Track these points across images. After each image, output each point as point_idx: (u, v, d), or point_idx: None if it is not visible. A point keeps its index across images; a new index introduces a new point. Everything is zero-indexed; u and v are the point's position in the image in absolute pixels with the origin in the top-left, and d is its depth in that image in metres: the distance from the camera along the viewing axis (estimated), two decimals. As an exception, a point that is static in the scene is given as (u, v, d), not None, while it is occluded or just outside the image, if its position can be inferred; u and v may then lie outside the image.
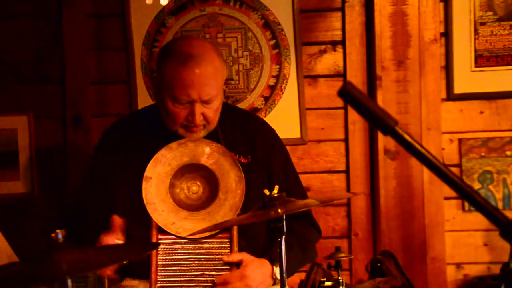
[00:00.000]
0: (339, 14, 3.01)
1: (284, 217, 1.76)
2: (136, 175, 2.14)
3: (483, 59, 2.99)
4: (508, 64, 2.99)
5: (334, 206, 3.04)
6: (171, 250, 2.09)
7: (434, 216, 2.93)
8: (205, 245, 2.10)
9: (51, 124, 3.01)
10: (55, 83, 3.00)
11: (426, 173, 2.89)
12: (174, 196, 2.13)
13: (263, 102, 3.01)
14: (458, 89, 2.99)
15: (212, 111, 2.17)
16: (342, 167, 3.04)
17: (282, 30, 2.98)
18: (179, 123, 2.17)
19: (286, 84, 2.99)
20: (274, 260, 2.11)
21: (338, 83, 3.01)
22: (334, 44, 3.03)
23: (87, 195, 2.34)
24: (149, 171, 2.12)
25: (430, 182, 2.90)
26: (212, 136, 2.21)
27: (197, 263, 2.09)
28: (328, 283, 2.17)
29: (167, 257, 2.09)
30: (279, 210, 1.71)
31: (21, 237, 2.68)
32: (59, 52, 2.99)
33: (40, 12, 3.00)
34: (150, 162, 2.12)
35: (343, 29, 3.00)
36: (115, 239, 2.08)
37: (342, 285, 2.09)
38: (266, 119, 2.49)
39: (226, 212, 2.10)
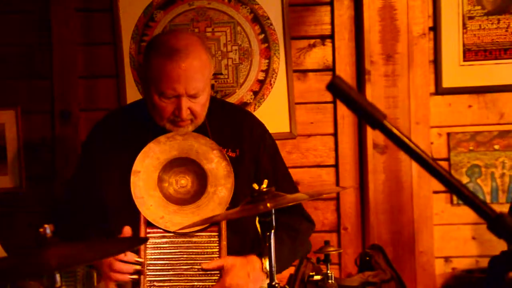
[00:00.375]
0: (328, 8, 3.01)
1: (273, 211, 1.75)
2: (125, 169, 2.13)
3: (471, 53, 3.00)
4: (496, 58, 3.00)
5: (323, 200, 3.05)
6: (160, 244, 2.09)
7: (423, 210, 2.94)
8: (194, 239, 2.10)
9: (39, 118, 3.00)
10: (43, 77, 2.99)
11: (415, 167, 2.90)
12: (163, 190, 2.12)
13: (252, 97, 3.01)
14: (446, 83, 3.00)
15: (199, 106, 2.16)
16: (331, 161, 3.05)
17: (271, 24, 2.98)
18: (166, 118, 2.16)
19: (275, 79, 2.99)
20: (264, 254, 2.10)
21: (327, 78, 3.02)
22: (323, 38, 3.03)
23: (76, 189, 2.33)
24: (138, 165, 2.11)
25: (418, 176, 2.91)
26: (200, 130, 2.20)
27: (185, 257, 2.08)
28: (317, 277, 2.17)
29: (156, 251, 2.09)
30: (268, 205, 1.71)
31: (9, 232, 2.68)
32: (47, 46, 2.98)
33: (28, 6, 2.99)
34: (139, 156, 2.12)
35: (332, 23, 3.00)
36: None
37: (331, 279, 2.10)
38: (256, 114, 2.49)
39: (215, 206, 2.10)
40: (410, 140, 1.07)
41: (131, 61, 2.98)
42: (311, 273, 2.27)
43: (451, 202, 3.03)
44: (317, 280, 2.17)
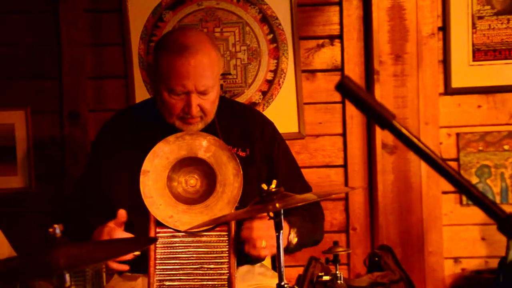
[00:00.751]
0: (336, 8, 3.02)
1: (282, 211, 1.75)
2: (134, 168, 2.13)
3: (480, 53, 2.99)
4: (506, 58, 3.00)
5: (332, 201, 3.05)
6: (170, 244, 2.09)
7: (432, 210, 2.94)
8: (204, 238, 2.09)
9: (48, 118, 3.02)
10: (52, 77, 3.01)
11: (424, 167, 2.90)
12: (172, 190, 2.12)
13: (261, 97, 3.01)
14: (456, 83, 3.00)
15: (208, 103, 2.16)
16: (340, 161, 3.05)
17: (280, 24, 2.98)
18: (175, 115, 2.16)
19: (284, 79, 3.00)
20: (292, 223, 2.11)
21: (335, 78, 3.02)
22: (331, 38, 3.03)
23: (85, 189, 2.33)
24: (147, 164, 2.11)
25: (428, 176, 2.91)
26: (210, 130, 2.20)
27: (195, 257, 2.08)
28: (326, 278, 2.17)
29: (166, 251, 2.08)
30: (277, 205, 1.71)
31: (19, 232, 2.69)
32: (56, 46, 2.99)
33: (37, 7, 3.00)
34: (148, 155, 2.11)
35: (341, 23, 3.01)
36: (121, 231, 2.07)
37: (340, 280, 2.09)
38: (264, 114, 2.49)
39: (223, 205, 2.09)
40: (419, 140, 1.07)
41: (140, 62, 2.99)
42: (320, 274, 2.26)
43: (460, 202, 3.03)
44: (326, 281, 2.16)
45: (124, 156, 2.23)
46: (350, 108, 2.98)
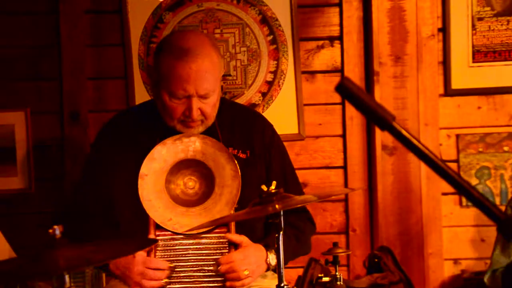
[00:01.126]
0: (336, 9, 3.01)
1: (281, 212, 1.76)
2: (133, 171, 2.13)
3: (480, 54, 2.99)
4: (505, 60, 3.00)
5: (331, 202, 3.05)
6: (169, 246, 2.09)
7: (432, 211, 2.93)
8: (203, 241, 2.10)
9: (48, 119, 3.01)
10: (52, 78, 3.00)
11: (424, 168, 2.90)
12: (171, 192, 2.12)
13: (261, 98, 3.01)
14: (455, 84, 2.99)
15: (209, 106, 2.16)
16: (340, 162, 3.05)
17: (280, 25, 2.98)
18: (176, 118, 2.16)
19: (283, 80, 3.00)
20: (269, 246, 2.12)
21: (335, 79, 3.01)
22: (331, 39, 3.03)
23: (84, 191, 2.32)
24: (145, 167, 2.11)
25: (427, 177, 2.91)
26: (210, 132, 2.21)
27: (195, 259, 2.08)
28: (325, 279, 2.18)
29: (165, 253, 2.09)
30: (277, 206, 1.72)
31: (18, 233, 2.69)
32: (56, 47, 2.99)
33: (38, 8, 3.00)
34: (146, 158, 2.12)
35: (341, 24, 3.00)
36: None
37: (340, 281, 2.10)
38: (264, 115, 2.49)
39: (222, 207, 2.10)
40: (419, 141, 1.07)
41: (139, 63, 2.99)
42: (319, 275, 2.27)
43: (460, 204, 3.03)
44: (325, 282, 2.17)
45: (124, 158, 2.23)
46: (350, 110, 2.98)
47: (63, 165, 2.99)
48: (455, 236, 3.02)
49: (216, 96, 2.18)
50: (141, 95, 2.96)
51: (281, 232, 1.78)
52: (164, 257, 2.08)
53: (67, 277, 1.49)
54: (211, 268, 2.08)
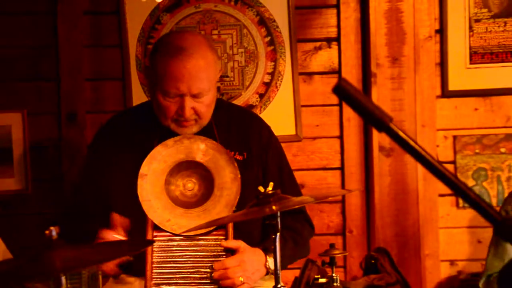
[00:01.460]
0: (334, 11, 3.02)
1: (279, 214, 1.76)
2: (131, 171, 2.14)
3: (477, 56, 3.00)
4: (502, 61, 3.00)
5: (329, 203, 3.05)
6: (167, 247, 2.10)
7: (428, 213, 2.94)
8: (201, 242, 2.10)
9: (45, 120, 3.01)
10: (50, 79, 3.00)
11: (421, 170, 2.90)
12: (170, 193, 2.12)
13: (258, 99, 3.01)
14: (452, 86, 3.00)
15: (203, 106, 2.16)
16: (337, 164, 3.05)
17: (277, 27, 2.99)
18: (170, 117, 2.16)
19: (281, 81, 3.00)
20: (268, 250, 2.13)
21: (333, 80, 3.02)
22: (329, 41, 3.03)
23: (82, 192, 2.34)
24: (145, 168, 2.12)
25: (424, 179, 2.92)
26: (207, 133, 2.21)
27: (192, 260, 2.09)
28: (322, 280, 2.17)
29: (163, 254, 2.09)
30: (274, 207, 1.72)
31: (15, 234, 2.69)
32: (54, 48, 2.99)
33: (36, 8, 3.00)
34: (146, 159, 2.12)
35: (338, 26, 3.01)
36: (114, 234, 2.07)
37: (336, 282, 2.10)
38: (261, 116, 2.50)
39: (221, 209, 2.10)
40: (416, 143, 1.07)
41: (137, 64, 2.99)
42: (316, 276, 2.27)
43: (457, 205, 3.03)
44: (322, 283, 2.17)
45: (121, 159, 2.23)
46: (347, 111, 2.98)
47: (60, 166, 2.99)
48: (451, 238, 3.03)
49: (211, 97, 2.18)
50: (139, 96, 2.97)
51: (278, 234, 1.78)
52: (160, 258, 2.08)
53: (63, 279, 1.49)
54: (207, 270, 2.08)
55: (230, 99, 2.98)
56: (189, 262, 2.09)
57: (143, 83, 2.97)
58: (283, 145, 2.44)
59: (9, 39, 3.01)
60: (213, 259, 2.08)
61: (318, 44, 3.04)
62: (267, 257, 2.12)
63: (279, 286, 1.79)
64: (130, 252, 1.93)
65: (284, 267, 2.22)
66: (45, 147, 3.01)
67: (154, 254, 2.08)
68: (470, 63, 3.00)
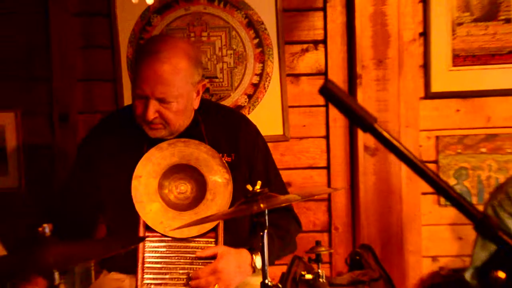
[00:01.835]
0: (321, 14, 3.03)
1: (266, 211, 1.78)
2: (121, 172, 2.15)
3: (460, 58, 3.01)
4: (484, 64, 3.01)
5: (315, 201, 3.07)
6: (157, 248, 2.10)
7: (411, 210, 2.95)
8: (191, 244, 2.10)
9: (38, 120, 3.01)
10: (42, 80, 3.00)
11: (404, 169, 2.91)
12: (163, 196, 2.12)
13: (247, 100, 3.04)
14: (435, 87, 3.01)
15: (170, 112, 2.13)
16: (323, 163, 3.07)
17: (265, 29, 3.00)
18: (138, 118, 2.16)
19: (269, 82, 3.02)
20: (254, 249, 2.13)
21: (319, 82, 3.03)
22: (316, 43, 3.05)
23: (72, 192, 2.33)
24: (139, 169, 2.11)
25: (408, 178, 2.93)
26: (196, 135, 2.21)
27: (183, 262, 2.09)
28: (308, 276, 2.19)
29: (153, 255, 2.09)
30: (262, 205, 1.73)
31: (8, 232, 2.70)
32: (47, 49, 2.98)
33: (28, 9, 2.99)
34: (140, 160, 2.11)
35: (325, 28, 3.02)
36: None
37: (322, 278, 2.11)
38: (250, 117, 2.50)
39: (213, 213, 2.08)
40: (399, 143, 1.09)
41: (128, 65, 2.99)
42: (302, 272, 2.28)
43: (439, 203, 3.06)
44: (308, 279, 2.19)
45: (111, 159, 2.23)
46: (333, 112, 3.00)
47: (52, 165, 2.99)
48: (433, 234, 3.06)
49: (180, 105, 2.14)
50: (130, 97, 2.93)
51: (266, 231, 1.79)
52: (151, 259, 2.08)
53: (56, 274, 1.52)
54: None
55: (219, 100, 3.00)
56: (179, 263, 2.09)
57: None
58: (271, 144, 2.45)
59: (1, 39, 3.00)
60: (203, 261, 2.09)
61: (305, 46, 3.05)
62: (254, 256, 2.13)
63: (266, 281, 1.80)
64: (122, 249, 1.94)
65: (271, 263, 2.23)
66: (38, 147, 3.01)
67: (145, 254, 2.08)
68: (453, 66, 3.01)
